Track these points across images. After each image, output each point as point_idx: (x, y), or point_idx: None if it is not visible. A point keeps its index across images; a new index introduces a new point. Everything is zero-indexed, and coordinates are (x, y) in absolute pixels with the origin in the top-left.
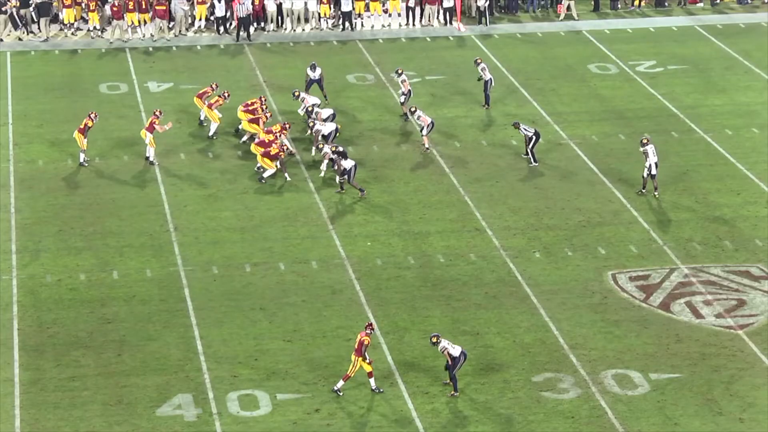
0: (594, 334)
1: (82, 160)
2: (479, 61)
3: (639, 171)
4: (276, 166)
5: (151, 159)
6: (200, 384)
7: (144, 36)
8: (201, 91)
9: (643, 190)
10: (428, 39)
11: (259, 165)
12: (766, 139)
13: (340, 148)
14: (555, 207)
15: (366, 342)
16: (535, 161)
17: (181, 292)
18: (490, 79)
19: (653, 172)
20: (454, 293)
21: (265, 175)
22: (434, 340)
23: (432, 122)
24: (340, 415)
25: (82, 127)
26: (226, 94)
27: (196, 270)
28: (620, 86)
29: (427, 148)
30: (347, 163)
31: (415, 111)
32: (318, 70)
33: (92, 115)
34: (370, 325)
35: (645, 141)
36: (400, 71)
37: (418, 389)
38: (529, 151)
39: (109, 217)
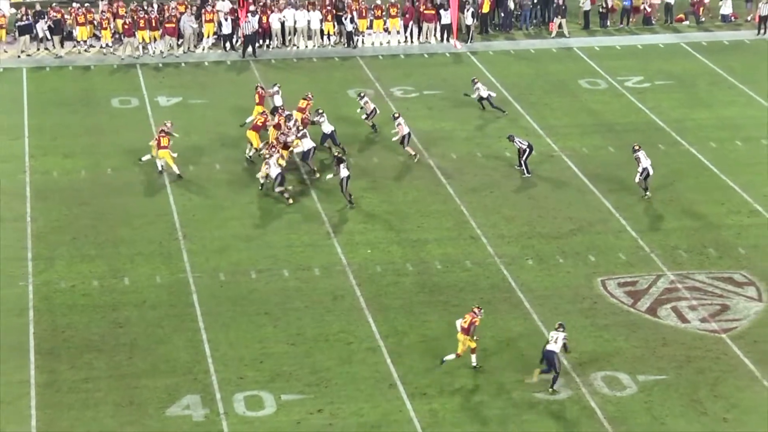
0: (584, 338)
1: (159, 167)
2: (476, 80)
3: (628, 181)
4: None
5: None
6: (208, 385)
7: (154, 52)
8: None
9: (647, 194)
10: (426, 55)
11: (251, 153)
12: (749, 151)
13: (342, 156)
14: (547, 216)
15: (476, 323)
16: (528, 172)
17: (189, 297)
18: (489, 94)
19: (650, 172)
20: (450, 299)
21: (263, 179)
22: (557, 326)
23: (409, 133)
24: (342, 415)
25: (158, 139)
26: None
27: (204, 276)
28: (609, 101)
29: (414, 154)
30: (343, 172)
31: (398, 117)
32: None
33: (168, 124)
34: (479, 307)
35: (637, 148)
36: (362, 94)
37: (416, 390)
38: (522, 162)
39: (121, 226)
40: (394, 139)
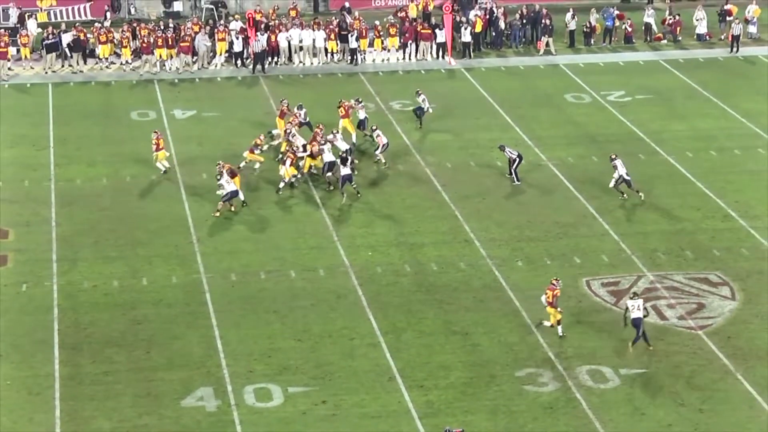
0: (570, 334)
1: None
2: (420, 92)
3: (609, 189)
4: (291, 173)
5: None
6: (220, 378)
7: (170, 69)
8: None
9: (624, 196)
10: (422, 72)
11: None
12: (722, 160)
13: (344, 155)
14: (535, 221)
15: (557, 294)
16: (517, 180)
17: (203, 296)
18: (428, 108)
19: (627, 178)
20: (445, 298)
21: (281, 185)
22: (631, 295)
23: (387, 143)
24: (345, 406)
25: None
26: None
27: (216, 277)
28: (593, 113)
29: (385, 163)
30: (343, 171)
31: (375, 129)
32: (422, 96)
33: (262, 137)
34: (557, 279)
35: (614, 156)
36: (360, 99)
37: (414, 383)
38: (512, 171)
39: (139, 230)
40: (377, 151)
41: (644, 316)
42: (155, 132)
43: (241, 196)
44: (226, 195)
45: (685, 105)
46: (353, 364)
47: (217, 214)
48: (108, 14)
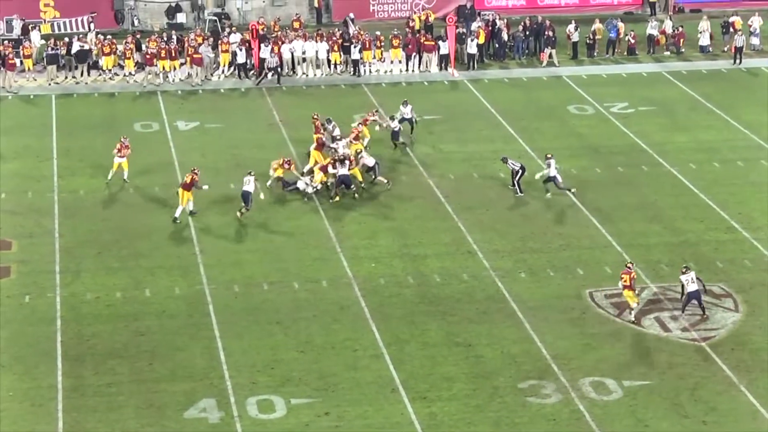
0: (573, 346)
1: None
2: (406, 102)
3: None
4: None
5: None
6: (223, 390)
7: (174, 80)
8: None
9: (549, 194)
10: (426, 83)
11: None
12: (725, 172)
13: (342, 158)
14: (538, 232)
15: (633, 276)
16: (520, 192)
17: (206, 307)
18: (412, 118)
19: (558, 178)
20: (448, 309)
21: (307, 190)
22: (683, 270)
23: (375, 164)
24: (348, 418)
25: (324, 165)
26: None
27: (220, 288)
28: (596, 125)
29: (387, 181)
30: (340, 170)
31: (360, 153)
32: (409, 107)
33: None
34: (632, 263)
35: (549, 156)
36: (375, 110)
37: (417, 394)
38: (515, 182)
39: (142, 241)
40: (375, 174)
41: (703, 283)
42: (125, 138)
43: (178, 211)
44: (244, 197)
45: (688, 117)
46: (356, 375)
47: (239, 215)
48: (92, 26)
